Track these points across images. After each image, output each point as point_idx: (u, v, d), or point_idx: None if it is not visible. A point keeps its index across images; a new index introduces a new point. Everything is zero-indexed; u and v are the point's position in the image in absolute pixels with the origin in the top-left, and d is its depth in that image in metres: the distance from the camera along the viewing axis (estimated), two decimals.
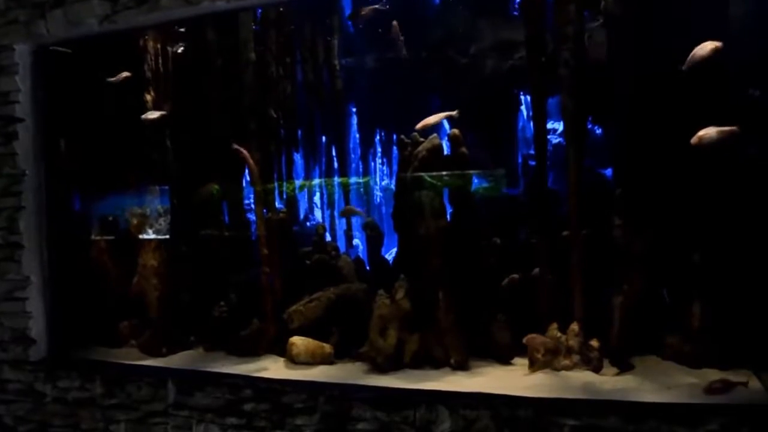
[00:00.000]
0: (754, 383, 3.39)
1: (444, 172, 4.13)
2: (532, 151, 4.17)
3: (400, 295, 4.10)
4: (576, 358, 3.81)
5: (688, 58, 3.37)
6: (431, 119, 4.17)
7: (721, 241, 3.66)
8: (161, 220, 4.89)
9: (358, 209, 5.19)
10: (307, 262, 4.73)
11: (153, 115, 4.86)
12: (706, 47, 3.32)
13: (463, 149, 4.13)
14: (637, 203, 3.79)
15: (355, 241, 5.21)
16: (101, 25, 4.56)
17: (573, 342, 3.82)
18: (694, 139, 3.36)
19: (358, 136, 5.26)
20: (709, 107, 3.53)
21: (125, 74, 4.88)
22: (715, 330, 3.65)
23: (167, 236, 4.83)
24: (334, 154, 5.10)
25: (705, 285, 3.70)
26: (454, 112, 4.16)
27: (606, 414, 3.49)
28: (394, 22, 4.41)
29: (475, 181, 4.21)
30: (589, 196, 3.90)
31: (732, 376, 3.36)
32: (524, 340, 3.86)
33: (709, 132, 3.35)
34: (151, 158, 4.95)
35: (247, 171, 4.65)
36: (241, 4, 4.54)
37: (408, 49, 4.63)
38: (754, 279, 3.56)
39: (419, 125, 4.20)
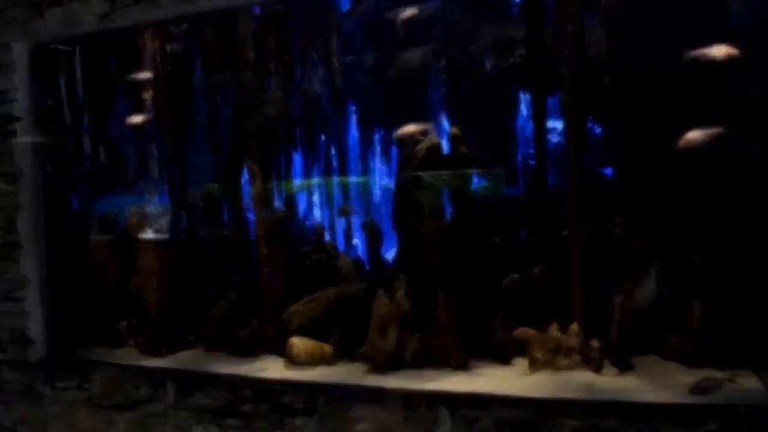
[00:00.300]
0: (754, 383, 3.40)
1: (443, 171, 4.12)
2: (531, 150, 4.16)
3: (399, 294, 4.09)
4: (576, 358, 3.80)
5: (699, 52, 3.34)
6: (411, 128, 4.17)
7: (721, 240, 3.66)
8: (160, 220, 4.88)
9: (354, 208, 5.18)
10: (307, 261, 4.72)
11: (138, 119, 4.87)
12: (722, 51, 3.30)
13: (463, 148, 4.13)
14: (637, 202, 3.78)
15: (355, 241, 5.20)
16: (100, 23, 4.55)
17: (573, 342, 3.82)
18: (681, 142, 3.37)
19: (357, 135, 5.25)
20: (708, 107, 3.53)
21: (146, 74, 4.88)
22: (715, 329, 3.64)
23: (167, 236, 4.82)
24: (333, 153, 5.09)
25: (705, 284, 3.69)
26: (430, 124, 4.17)
27: (606, 414, 3.49)
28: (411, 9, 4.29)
29: (475, 180, 4.21)
30: (589, 195, 3.90)
31: (719, 375, 3.37)
32: (515, 334, 3.87)
33: (695, 134, 3.35)
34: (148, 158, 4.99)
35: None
36: (239, 2, 4.53)
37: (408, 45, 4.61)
38: (754, 278, 3.55)
39: (399, 132, 4.20)
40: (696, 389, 3.29)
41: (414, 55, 4.29)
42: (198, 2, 4.28)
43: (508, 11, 4.47)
